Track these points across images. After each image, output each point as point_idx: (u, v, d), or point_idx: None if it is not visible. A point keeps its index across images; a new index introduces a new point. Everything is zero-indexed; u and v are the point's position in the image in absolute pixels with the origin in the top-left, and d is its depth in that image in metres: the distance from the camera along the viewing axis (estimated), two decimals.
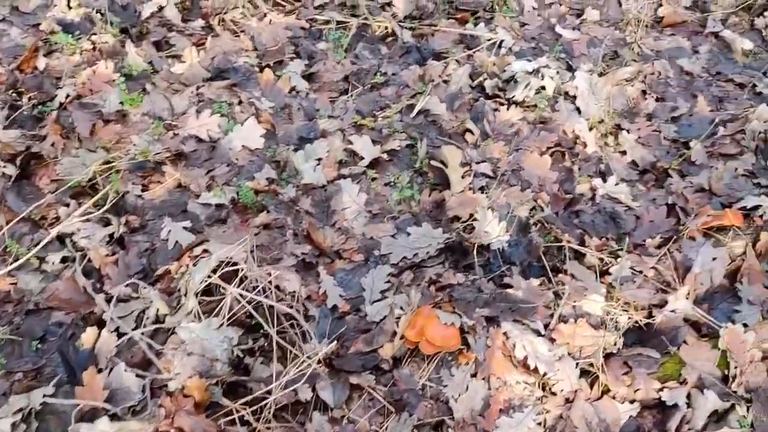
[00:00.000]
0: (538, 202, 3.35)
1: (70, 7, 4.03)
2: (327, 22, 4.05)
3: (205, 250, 2.86)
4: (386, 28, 4.08)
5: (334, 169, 3.41)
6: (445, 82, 3.85)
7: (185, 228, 3.01)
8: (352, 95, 3.75)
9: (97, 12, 3.97)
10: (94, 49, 3.80)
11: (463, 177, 3.39)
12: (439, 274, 2.96)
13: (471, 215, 3.22)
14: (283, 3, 4.16)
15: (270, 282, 2.60)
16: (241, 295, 2.51)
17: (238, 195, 3.20)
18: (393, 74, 3.88)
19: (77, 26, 3.93)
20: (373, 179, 3.38)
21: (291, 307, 2.68)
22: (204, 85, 3.67)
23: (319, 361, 2.59)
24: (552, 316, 2.78)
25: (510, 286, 2.91)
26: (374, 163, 3.45)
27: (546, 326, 2.74)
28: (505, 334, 2.69)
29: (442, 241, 3.10)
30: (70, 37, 3.83)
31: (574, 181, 3.53)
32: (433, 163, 3.41)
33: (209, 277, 2.57)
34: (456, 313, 2.67)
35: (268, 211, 3.17)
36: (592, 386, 2.65)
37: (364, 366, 2.61)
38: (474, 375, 2.61)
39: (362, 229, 3.21)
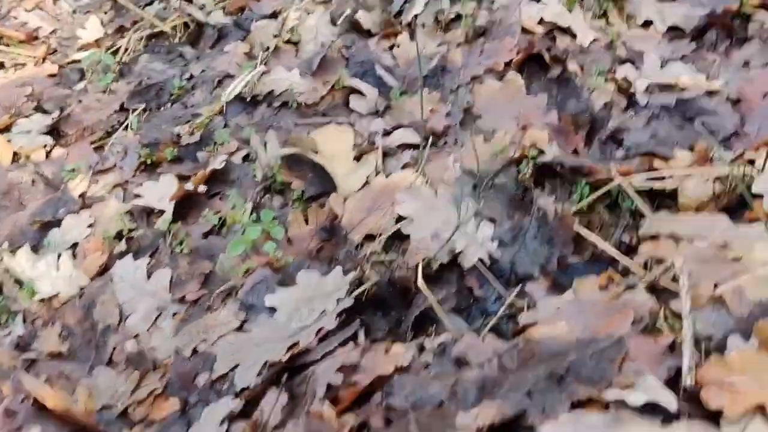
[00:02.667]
0: (528, 144, 1.60)
1: None
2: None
3: None
4: (187, 24, 2.49)
5: (102, 252, 1.68)
6: (292, 42, 2.21)
7: None
8: (132, 125, 2.08)
9: None
10: None
11: (357, 159, 1.66)
12: (351, 365, 1.16)
13: (398, 221, 1.47)
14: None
15: None
16: None
17: None
18: (203, 71, 2.26)
19: None
20: (180, 243, 1.64)
21: None
22: None
23: None
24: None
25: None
26: (182, 212, 1.74)
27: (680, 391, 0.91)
28: None
29: (348, 291, 1.33)
30: None
31: (582, 92, 1.80)
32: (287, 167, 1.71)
33: None
34: None
35: None
36: None
37: None
38: None
39: (170, 342, 1.44)
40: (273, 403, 1.17)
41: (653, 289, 1.09)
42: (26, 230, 1.84)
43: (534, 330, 1.07)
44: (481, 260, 1.39)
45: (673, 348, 0.97)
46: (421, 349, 1.20)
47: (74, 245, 1.75)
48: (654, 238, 1.22)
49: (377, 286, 1.36)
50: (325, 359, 1.21)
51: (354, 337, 1.25)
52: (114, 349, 1.48)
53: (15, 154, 2.10)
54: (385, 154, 1.75)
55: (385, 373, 1.10)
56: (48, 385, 1.40)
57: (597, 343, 1.00)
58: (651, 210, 1.34)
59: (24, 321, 1.61)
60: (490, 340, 1.18)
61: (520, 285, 1.35)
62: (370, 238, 1.52)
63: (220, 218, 1.67)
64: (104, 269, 1.66)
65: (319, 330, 1.30)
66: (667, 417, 0.88)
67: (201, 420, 1.22)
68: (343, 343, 1.24)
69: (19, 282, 1.67)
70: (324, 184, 1.69)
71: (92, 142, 2.09)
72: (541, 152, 1.58)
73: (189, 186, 1.75)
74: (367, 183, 1.62)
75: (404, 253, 1.42)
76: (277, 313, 1.40)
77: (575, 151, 1.64)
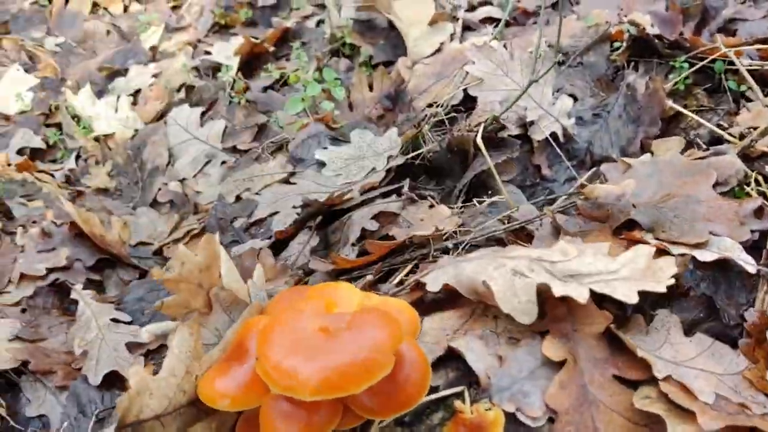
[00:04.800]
0: (626, 20, 1.43)
1: None
2: None
3: None
4: None
5: (161, 101, 1.65)
6: None
7: None
8: None
9: None
10: None
11: (434, 24, 1.54)
12: (389, 213, 1.08)
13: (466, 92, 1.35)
14: None
15: None
16: None
17: None
18: None
19: None
20: (240, 95, 1.58)
21: None
22: None
23: None
24: None
25: None
26: (247, 68, 1.68)
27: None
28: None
29: (401, 151, 1.24)
30: None
31: None
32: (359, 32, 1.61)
33: None
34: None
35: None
36: None
37: None
38: None
39: (215, 189, 1.40)
40: (304, 243, 1.10)
41: (747, 157, 0.94)
42: (94, 75, 1.84)
43: (594, 188, 0.94)
44: (554, 135, 1.26)
45: (761, 214, 0.82)
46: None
47: (136, 92, 1.72)
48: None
49: (434, 151, 1.26)
50: (364, 206, 1.12)
51: (398, 191, 1.15)
52: (159, 190, 1.46)
53: (94, 4, 2.09)
54: (467, 28, 1.62)
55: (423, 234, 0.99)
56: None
57: (667, 201, 0.86)
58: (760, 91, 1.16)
59: (77, 158, 1.60)
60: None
61: (595, 168, 1.21)
62: (435, 106, 1.42)
63: (282, 74, 1.59)
64: (161, 116, 1.63)
65: (364, 186, 1.21)
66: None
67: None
68: (386, 195, 1.15)
69: (77, 118, 1.66)
70: (395, 51, 1.59)
71: (170, 0, 2.05)
72: (635, 29, 1.41)
73: (257, 41, 1.68)
74: (439, 50, 1.50)
75: (468, 117, 1.30)
76: (325, 167, 1.32)
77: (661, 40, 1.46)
